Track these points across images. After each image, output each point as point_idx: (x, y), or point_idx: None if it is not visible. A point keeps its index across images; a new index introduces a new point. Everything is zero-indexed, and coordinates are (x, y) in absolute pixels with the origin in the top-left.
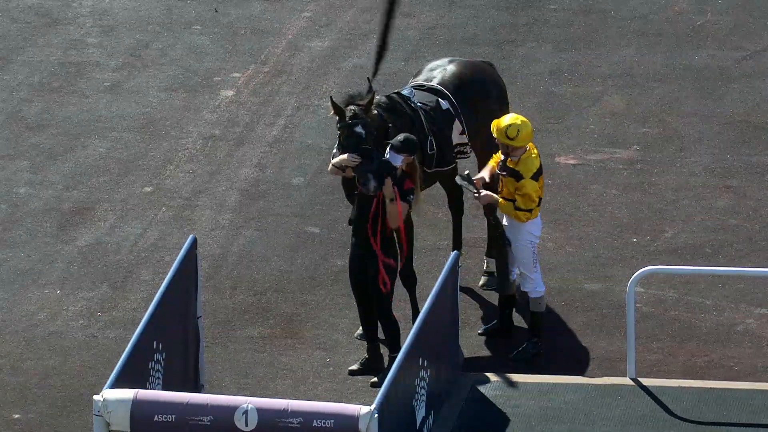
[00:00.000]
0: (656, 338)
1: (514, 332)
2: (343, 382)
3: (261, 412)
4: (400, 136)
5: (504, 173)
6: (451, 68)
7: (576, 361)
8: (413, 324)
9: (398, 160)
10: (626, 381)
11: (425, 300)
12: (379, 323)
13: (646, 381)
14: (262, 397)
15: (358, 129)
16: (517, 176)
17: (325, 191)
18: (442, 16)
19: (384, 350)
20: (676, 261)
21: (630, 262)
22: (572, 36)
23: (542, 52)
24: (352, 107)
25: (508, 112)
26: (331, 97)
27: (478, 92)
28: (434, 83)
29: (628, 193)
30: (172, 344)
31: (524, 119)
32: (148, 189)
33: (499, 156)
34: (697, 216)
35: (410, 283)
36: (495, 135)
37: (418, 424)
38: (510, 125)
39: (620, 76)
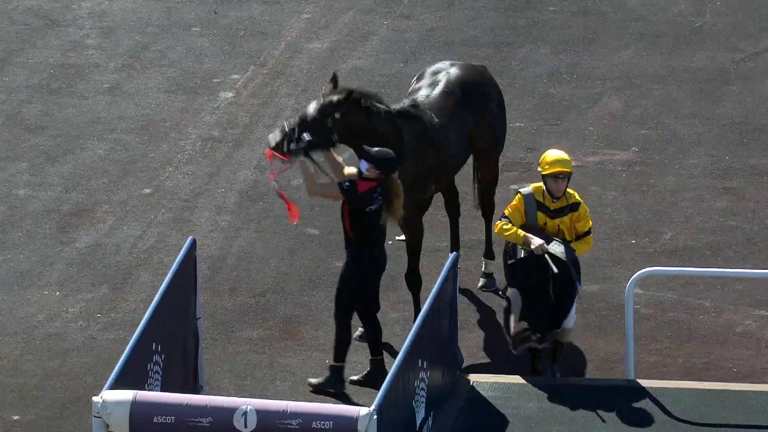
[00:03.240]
0: (655, 339)
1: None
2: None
3: (260, 413)
4: (381, 150)
5: (563, 214)
6: (454, 71)
7: (575, 362)
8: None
9: (363, 166)
10: (625, 382)
11: (424, 301)
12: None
13: (644, 382)
14: (262, 398)
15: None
16: (575, 206)
17: None
18: (441, 17)
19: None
20: (675, 262)
21: (629, 264)
22: (571, 38)
23: (541, 54)
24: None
25: (505, 116)
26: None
27: (481, 95)
28: (440, 87)
29: (626, 194)
30: (171, 346)
31: None
32: (148, 190)
33: (517, 205)
34: (696, 217)
35: (414, 286)
36: (561, 168)
37: (417, 425)
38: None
39: (619, 78)
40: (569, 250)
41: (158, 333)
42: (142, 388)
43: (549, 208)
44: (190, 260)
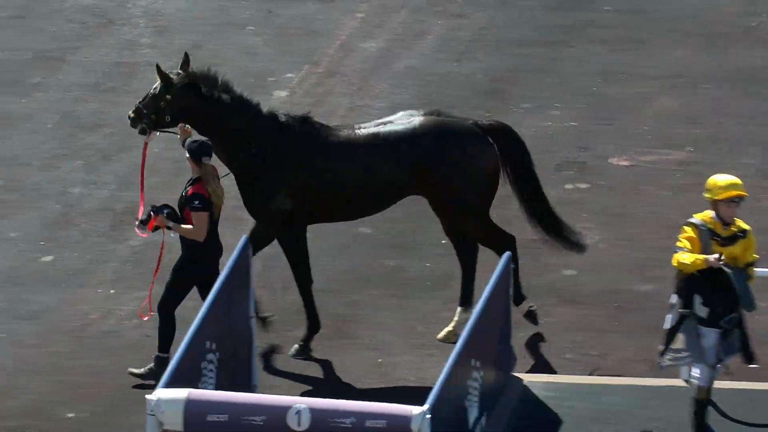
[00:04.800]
0: None
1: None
2: (395, 382)
3: (314, 411)
4: (197, 139)
5: (735, 241)
6: (416, 121)
7: (627, 362)
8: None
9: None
10: (678, 382)
11: (478, 301)
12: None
13: None
14: (315, 396)
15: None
16: (744, 232)
17: None
18: (493, 16)
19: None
20: None
21: None
22: (623, 37)
23: (593, 53)
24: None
25: (478, 179)
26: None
27: (431, 151)
28: (378, 128)
29: (680, 194)
30: (225, 344)
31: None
32: None
33: (693, 237)
34: (750, 217)
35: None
36: (732, 193)
37: (470, 425)
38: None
39: (672, 77)
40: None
41: (212, 331)
42: (196, 387)
43: (721, 236)
44: (244, 259)
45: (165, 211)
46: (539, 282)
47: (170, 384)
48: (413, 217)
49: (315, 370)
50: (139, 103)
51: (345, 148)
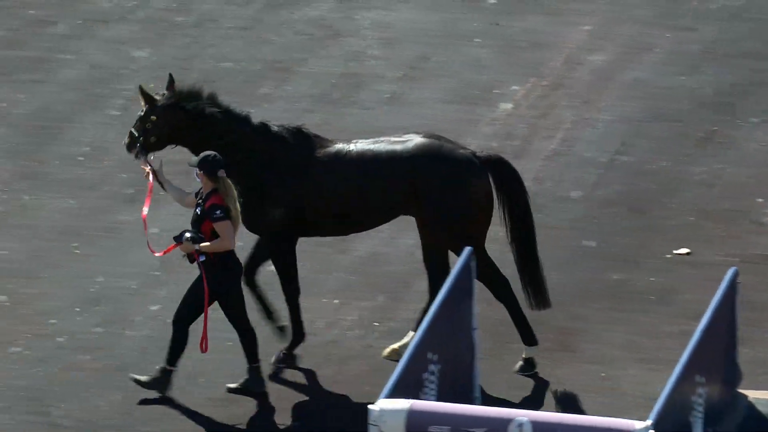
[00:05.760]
0: None
1: None
2: (619, 396)
3: (535, 425)
4: (207, 153)
5: None
6: (411, 139)
7: None
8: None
9: (195, 172)
10: None
11: (701, 316)
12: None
13: None
14: (536, 410)
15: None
16: None
17: (602, 205)
18: (724, 29)
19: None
20: None
21: None
22: None
23: None
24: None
25: (462, 206)
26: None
27: (424, 175)
28: (371, 144)
29: None
30: (447, 356)
31: None
32: None
33: None
34: None
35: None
36: None
37: None
38: None
39: None
40: None
41: (434, 343)
42: (418, 398)
43: None
44: (466, 271)
45: (187, 236)
46: (766, 298)
47: (393, 395)
48: (638, 231)
49: (537, 383)
50: (132, 127)
51: (335, 161)
